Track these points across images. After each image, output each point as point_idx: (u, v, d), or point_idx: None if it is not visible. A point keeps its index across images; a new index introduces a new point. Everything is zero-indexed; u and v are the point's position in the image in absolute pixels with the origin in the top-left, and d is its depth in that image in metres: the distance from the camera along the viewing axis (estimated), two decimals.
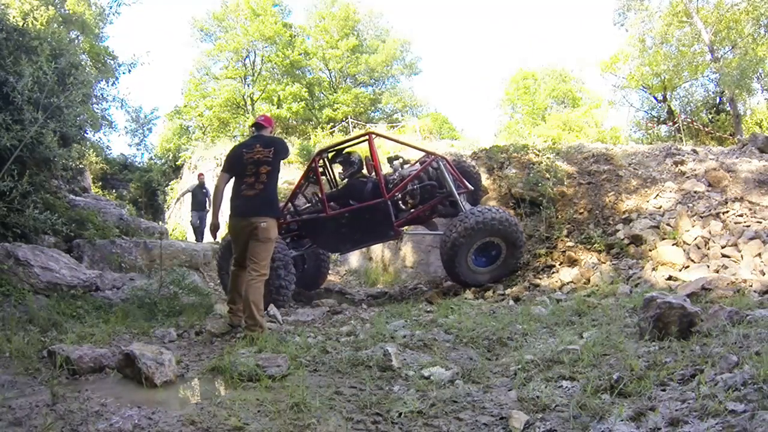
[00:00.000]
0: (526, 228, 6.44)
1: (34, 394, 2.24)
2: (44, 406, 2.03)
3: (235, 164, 3.90)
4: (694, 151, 7.73)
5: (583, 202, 6.70)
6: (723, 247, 4.96)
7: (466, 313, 4.05)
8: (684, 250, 5.13)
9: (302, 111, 25.67)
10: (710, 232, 5.22)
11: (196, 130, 27.21)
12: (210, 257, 7.70)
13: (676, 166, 7.01)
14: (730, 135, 17.92)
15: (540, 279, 5.63)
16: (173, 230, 15.74)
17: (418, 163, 6.44)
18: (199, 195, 10.99)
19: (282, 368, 2.62)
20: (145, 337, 3.68)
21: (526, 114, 31.38)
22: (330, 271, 7.72)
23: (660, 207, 6.06)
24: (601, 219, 6.36)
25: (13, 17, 6.89)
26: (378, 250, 8.99)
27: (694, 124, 19.29)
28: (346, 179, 6.13)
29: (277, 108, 25.12)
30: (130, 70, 9.28)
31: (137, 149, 28.27)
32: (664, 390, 1.92)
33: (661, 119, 22.50)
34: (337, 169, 6.53)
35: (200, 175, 11.60)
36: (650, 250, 5.36)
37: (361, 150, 7.13)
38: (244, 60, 26.65)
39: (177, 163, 23.12)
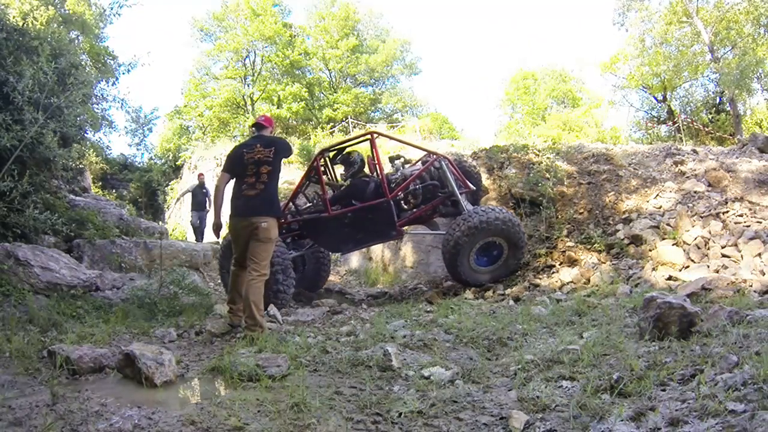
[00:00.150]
0: (526, 228, 6.43)
1: (34, 394, 2.24)
2: (44, 406, 2.03)
3: (235, 164, 3.90)
4: (694, 151, 7.73)
5: (583, 202, 6.71)
6: (723, 247, 4.96)
7: (466, 313, 4.05)
8: (684, 250, 5.13)
9: (302, 111, 25.67)
10: (710, 232, 5.22)
11: (196, 130, 27.24)
12: (210, 257, 7.70)
13: (676, 166, 7.01)
14: (730, 135, 17.92)
15: (540, 279, 5.63)
16: (173, 230, 15.75)
17: (419, 163, 6.44)
18: (199, 195, 10.99)
19: (282, 368, 2.62)
20: (145, 337, 3.68)
21: (526, 114, 31.36)
22: (330, 271, 7.71)
23: (660, 207, 6.06)
24: (601, 219, 6.36)
25: (13, 17, 6.88)
26: (378, 250, 8.99)
27: (694, 124, 19.29)
28: (348, 179, 6.13)
29: (277, 108, 25.13)
30: (130, 71, 9.30)
31: (137, 149, 28.35)
32: (664, 390, 1.92)
33: (661, 119, 22.49)
34: (339, 169, 6.52)
35: (200, 175, 11.60)
36: (650, 250, 5.36)
37: (362, 149, 7.13)
38: (244, 60, 26.66)
39: (177, 163, 23.16)
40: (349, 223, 5.57)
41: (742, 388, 1.70)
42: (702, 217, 5.54)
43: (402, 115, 28.85)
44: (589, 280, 5.26)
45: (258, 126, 4.12)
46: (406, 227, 6.18)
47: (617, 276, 5.10)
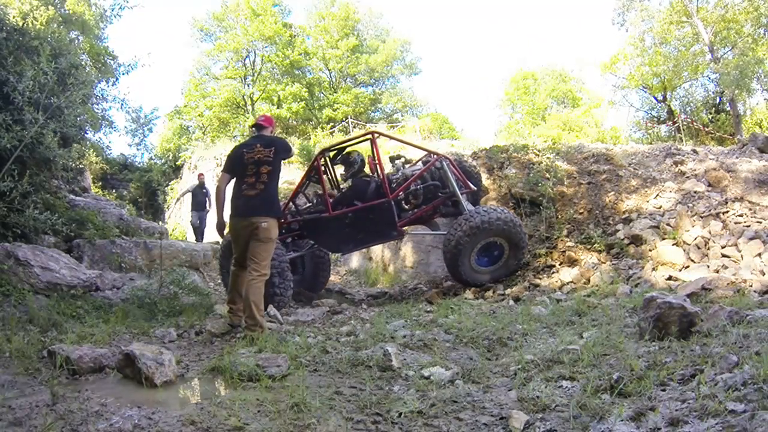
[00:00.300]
0: (527, 228, 6.43)
1: (34, 394, 2.24)
2: (44, 406, 2.03)
3: (235, 164, 3.90)
4: (694, 151, 7.73)
5: (583, 202, 6.71)
6: (723, 247, 4.96)
7: (466, 313, 4.05)
8: (684, 250, 5.13)
9: (302, 111, 25.68)
10: (710, 232, 5.22)
11: (196, 130, 27.25)
12: (210, 257, 7.70)
13: (676, 166, 7.01)
14: (730, 135, 17.92)
15: (540, 279, 5.63)
16: (173, 230, 15.75)
17: (420, 163, 6.43)
18: (199, 195, 10.99)
19: (282, 368, 2.61)
20: (145, 337, 3.68)
21: (526, 114, 31.37)
22: (330, 272, 7.69)
23: (660, 207, 6.06)
24: (601, 219, 6.36)
25: (13, 17, 6.88)
26: (378, 250, 8.99)
27: (694, 124, 19.29)
28: (349, 179, 6.12)
29: (277, 108, 25.14)
30: (130, 71, 9.26)
31: (137, 149, 28.36)
32: (664, 390, 1.92)
33: (661, 119, 22.50)
34: (339, 169, 6.51)
35: (200, 175, 11.61)
36: (650, 250, 5.36)
37: (362, 149, 7.12)
38: (244, 60, 26.66)
39: (177, 163, 23.16)
40: (349, 223, 5.57)
41: (742, 388, 1.70)
42: (702, 217, 5.54)
43: (402, 115, 28.87)
44: (589, 280, 5.26)
45: (258, 126, 4.12)
46: (406, 227, 6.18)
47: (617, 276, 5.10)
